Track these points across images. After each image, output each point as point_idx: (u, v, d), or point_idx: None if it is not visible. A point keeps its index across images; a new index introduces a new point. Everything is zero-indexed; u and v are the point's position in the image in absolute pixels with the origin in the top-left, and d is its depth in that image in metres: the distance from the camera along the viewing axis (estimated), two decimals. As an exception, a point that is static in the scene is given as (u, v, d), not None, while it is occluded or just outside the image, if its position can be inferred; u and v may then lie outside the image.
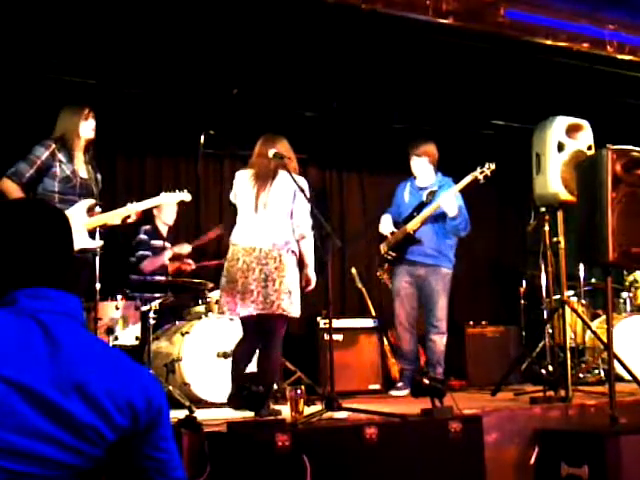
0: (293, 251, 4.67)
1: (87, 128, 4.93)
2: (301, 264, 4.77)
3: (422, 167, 6.07)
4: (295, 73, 6.52)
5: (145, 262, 6.18)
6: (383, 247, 6.11)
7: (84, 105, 4.97)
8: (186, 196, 5.35)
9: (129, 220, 5.05)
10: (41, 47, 5.75)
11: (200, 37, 5.87)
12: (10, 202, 2.14)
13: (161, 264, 6.19)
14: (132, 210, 5.02)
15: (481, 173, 5.92)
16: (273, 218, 4.67)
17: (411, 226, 5.96)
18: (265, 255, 4.61)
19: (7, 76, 5.86)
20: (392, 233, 6.04)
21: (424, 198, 6.04)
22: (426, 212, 5.96)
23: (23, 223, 1.63)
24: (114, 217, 4.94)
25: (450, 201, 5.86)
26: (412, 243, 5.97)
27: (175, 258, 6.33)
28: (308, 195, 4.60)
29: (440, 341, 5.95)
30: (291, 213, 4.70)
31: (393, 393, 5.99)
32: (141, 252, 6.23)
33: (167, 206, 6.38)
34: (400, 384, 6.02)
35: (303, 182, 4.67)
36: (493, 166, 5.93)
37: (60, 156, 4.79)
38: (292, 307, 4.62)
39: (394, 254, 6.01)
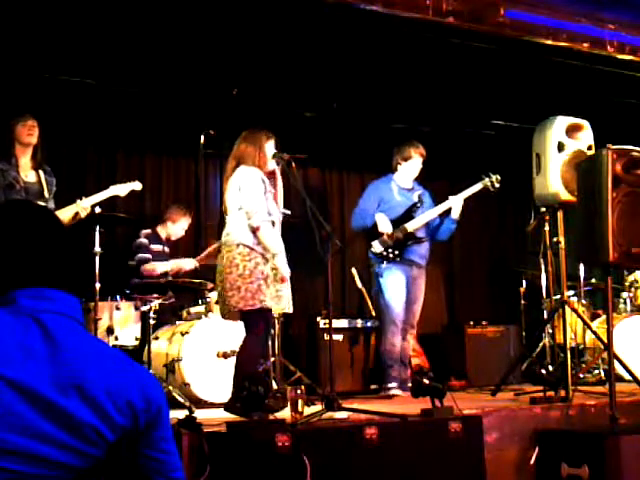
0: (244, 245, 4.54)
1: (28, 135, 4.96)
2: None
3: (418, 168, 6.11)
4: (295, 73, 6.52)
5: (147, 265, 6.16)
6: (378, 246, 5.95)
7: (21, 112, 5.01)
8: (137, 185, 5.38)
9: (78, 217, 5.05)
10: (40, 47, 5.75)
11: (200, 37, 5.87)
12: (6, 203, 2.15)
13: (162, 271, 6.15)
14: (81, 207, 5.03)
15: (491, 183, 6.06)
16: (229, 216, 4.68)
17: (413, 226, 5.98)
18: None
19: (6, 76, 5.85)
20: (392, 232, 5.96)
21: (415, 199, 6.08)
22: (431, 214, 6.04)
23: (21, 224, 1.63)
24: (63, 216, 4.94)
25: (460, 204, 5.97)
26: (414, 243, 5.97)
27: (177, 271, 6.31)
28: (266, 187, 4.58)
29: (412, 340, 6.06)
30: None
31: (391, 392, 5.84)
32: (141, 255, 6.22)
33: (180, 224, 6.39)
34: (394, 384, 5.87)
35: (255, 174, 4.62)
36: (499, 177, 6.09)
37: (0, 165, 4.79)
38: (243, 301, 4.49)
39: (397, 252, 5.94)
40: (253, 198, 4.57)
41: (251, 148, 4.65)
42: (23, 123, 4.99)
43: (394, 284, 5.94)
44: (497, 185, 6.09)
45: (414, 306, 6.01)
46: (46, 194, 4.98)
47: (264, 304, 4.48)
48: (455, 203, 6.00)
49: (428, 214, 6.02)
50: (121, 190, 5.33)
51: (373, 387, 6.33)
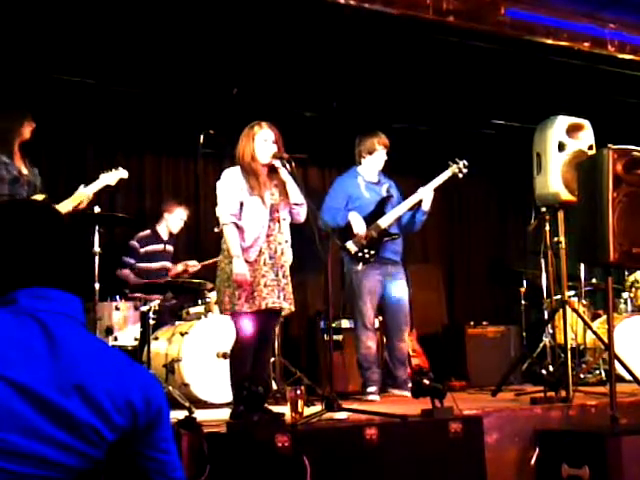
0: (225, 248, 4.51)
1: (29, 130, 5.03)
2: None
3: (383, 160, 5.93)
4: (295, 73, 6.51)
5: (123, 271, 6.18)
6: (352, 246, 5.69)
7: (24, 108, 5.09)
8: (123, 173, 5.40)
9: (80, 207, 5.07)
10: (41, 47, 5.74)
11: (200, 37, 5.86)
12: (7, 203, 2.14)
13: (134, 283, 6.11)
14: (82, 194, 5.06)
15: (459, 169, 5.92)
16: None
17: (386, 222, 5.79)
18: None
19: (6, 76, 5.85)
20: (366, 231, 5.72)
21: (384, 193, 5.91)
22: (403, 207, 5.84)
23: (22, 223, 1.63)
24: (67, 206, 4.98)
25: (430, 195, 5.84)
26: (389, 239, 5.79)
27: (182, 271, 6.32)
28: (245, 184, 4.49)
29: (408, 339, 5.94)
30: None
31: (370, 398, 5.63)
32: (127, 259, 6.22)
33: (177, 214, 6.40)
34: (373, 389, 5.69)
35: (233, 173, 4.56)
36: (466, 162, 5.94)
37: (4, 158, 4.87)
38: (222, 306, 4.49)
39: (372, 252, 5.70)
40: (219, 201, 4.54)
41: (242, 143, 4.59)
42: (29, 121, 5.04)
43: (369, 288, 5.73)
44: (465, 170, 5.93)
45: (401, 304, 5.82)
46: (39, 184, 5.02)
47: (236, 308, 4.40)
48: (425, 194, 5.81)
49: (400, 208, 5.83)
50: (111, 178, 5.33)
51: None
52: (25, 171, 4.95)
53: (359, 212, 5.80)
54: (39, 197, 4.90)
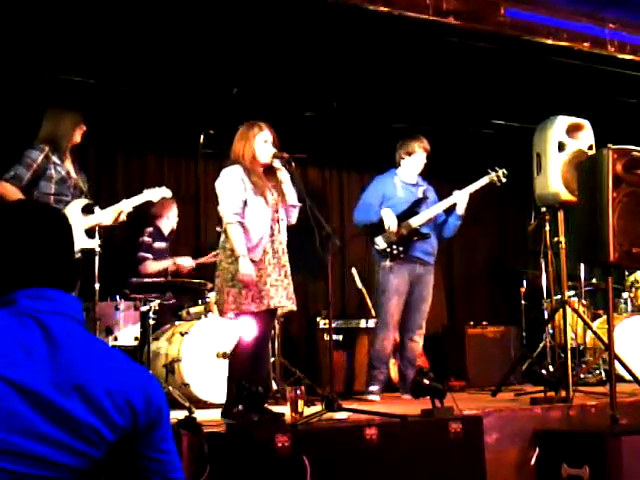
0: (229, 248, 4.46)
1: (80, 134, 5.08)
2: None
3: (422, 163, 5.97)
4: (295, 73, 6.51)
5: (146, 264, 6.14)
6: (381, 242, 5.74)
7: (78, 111, 5.13)
8: (167, 192, 5.44)
9: (120, 219, 5.11)
10: (41, 46, 5.74)
11: (200, 37, 5.86)
12: (9, 203, 2.15)
13: (163, 268, 6.12)
14: (124, 207, 5.07)
15: (497, 178, 5.94)
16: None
17: (417, 222, 5.82)
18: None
19: (6, 76, 5.85)
20: (397, 228, 5.77)
21: (419, 195, 5.94)
22: (435, 209, 5.89)
23: (23, 224, 1.63)
24: (107, 216, 5.00)
25: (465, 199, 5.87)
26: (419, 239, 5.82)
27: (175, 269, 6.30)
28: (247, 185, 4.47)
29: (421, 341, 5.94)
30: None
31: (370, 397, 5.64)
32: (142, 254, 6.19)
33: (174, 210, 6.40)
34: (375, 388, 5.71)
35: (234, 171, 4.53)
36: (505, 171, 5.96)
37: (54, 158, 4.89)
38: (226, 306, 4.43)
39: (401, 249, 5.73)
40: (222, 200, 4.51)
41: (241, 143, 4.55)
42: (80, 125, 5.09)
43: (396, 286, 5.74)
44: (503, 180, 5.96)
45: (422, 305, 5.85)
46: (85, 189, 5.07)
47: (244, 307, 4.37)
48: (460, 198, 5.86)
49: (433, 210, 5.88)
50: (154, 195, 5.37)
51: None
52: (74, 174, 4.99)
53: (392, 210, 5.83)
54: (83, 201, 4.94)
